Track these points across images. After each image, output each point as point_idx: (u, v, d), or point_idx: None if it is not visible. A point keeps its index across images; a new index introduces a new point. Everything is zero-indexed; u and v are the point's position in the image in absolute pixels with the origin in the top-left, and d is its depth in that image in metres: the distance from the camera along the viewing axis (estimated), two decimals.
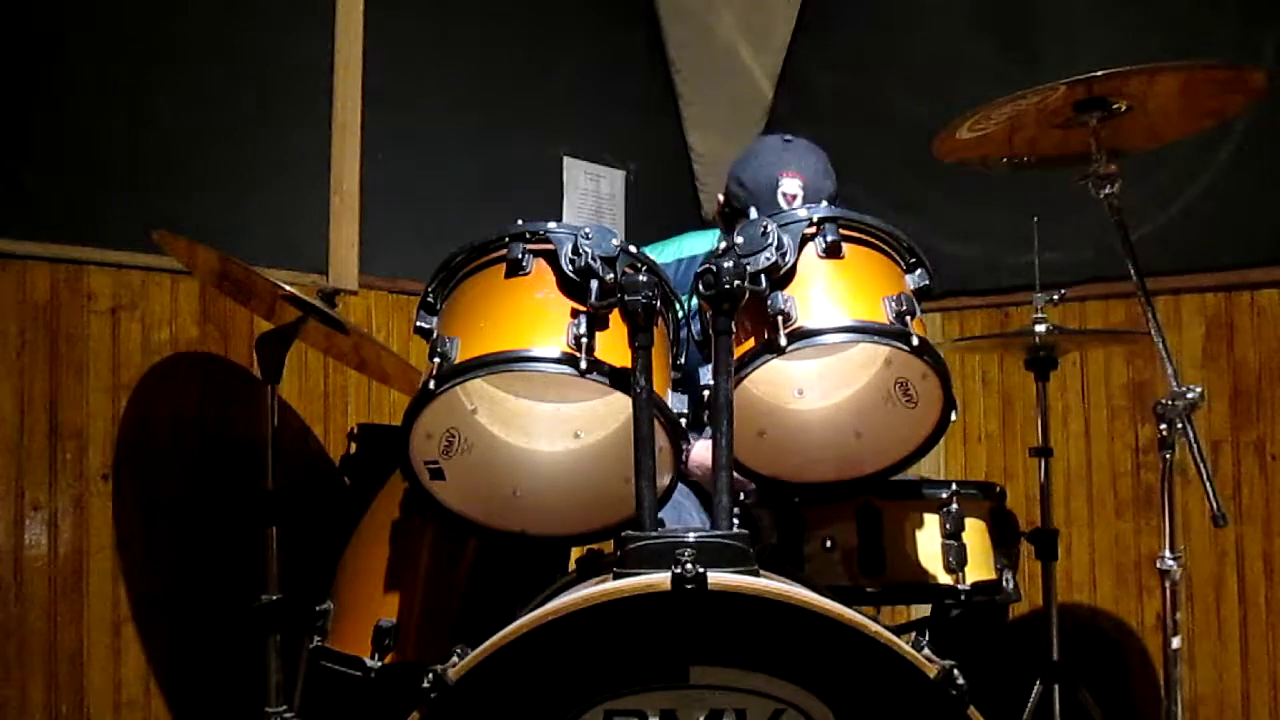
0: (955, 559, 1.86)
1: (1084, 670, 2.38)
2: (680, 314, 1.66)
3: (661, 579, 1.22)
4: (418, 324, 1.60)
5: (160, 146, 2.32)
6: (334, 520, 2.00)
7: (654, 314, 1.40)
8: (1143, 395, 2.77)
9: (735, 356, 1.46)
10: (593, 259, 1.46)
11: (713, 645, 1.23)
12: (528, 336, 1.48)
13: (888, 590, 1.87)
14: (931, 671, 1.20)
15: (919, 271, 1.63)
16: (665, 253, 2.46)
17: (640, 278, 1.41)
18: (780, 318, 1.47)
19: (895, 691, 1.21)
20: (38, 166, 2.15)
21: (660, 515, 1.44)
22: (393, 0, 2.74)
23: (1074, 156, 1.90)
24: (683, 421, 1.52)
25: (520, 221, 1.55)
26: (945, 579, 1.87)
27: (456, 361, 1.47)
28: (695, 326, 1.64)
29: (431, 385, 1.46)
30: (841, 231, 1.58)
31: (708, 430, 1.59)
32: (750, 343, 1.51)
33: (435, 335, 1.55)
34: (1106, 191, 1.82)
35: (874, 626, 1.23)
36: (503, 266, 1.54)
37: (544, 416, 1.68)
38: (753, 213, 1.58)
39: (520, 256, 1.52)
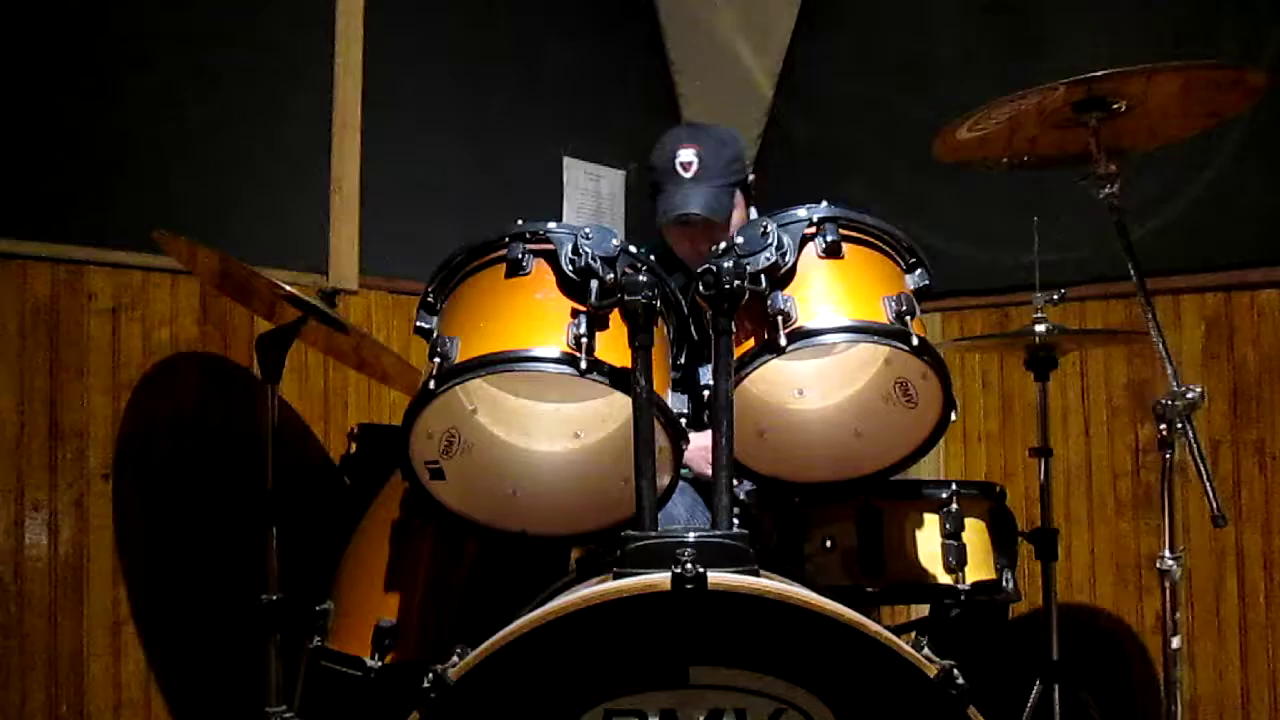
0: (955, 559, 1.87)
1: (1084, 670, 2.38)
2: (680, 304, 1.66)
3: (661, 579, 1.22)
4: (418, 324, 1.60)
5: (160, 146, 2.32)
6: (334, 520, 2.00)
7: (654, 314, 1.40)
8: (1143, 395, 2.77)
9: (735, 356, 1.46)
10: (593, 259, 1.47)
11: (713, 645, 1.23)
12: (528, 336, 1.48)
13: (888, 590, 1.87)
14: (931, 671, 1.20)
15: (919, 271, 1.63)
16: None
17: (640, 278, 1.41)
18: (780, 318, 1.47)
19: (895, 691, 1.21)
20: (38, 166, 2.15)
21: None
22: (393, 0, 2.74)
23: (1074, 156, 1.90)
24: (683, 421, 1.52)
25: (520, 221, 1.55)
26: (945, 579, 1.87)
27: (456, 361, 1.47)
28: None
29: (431, 385, 1.46)
30: (841, 231, 1.58)
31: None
32: (750, 343, 1.51)
33: (435, 335, 1.55)
34: (1106, 191, 1.82)
35: (874, 626, 1.23)
36: (503, 266, 1.54)
37: (544, 416, 1.68)
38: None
39: (520, 256, 1.52)
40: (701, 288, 1.44)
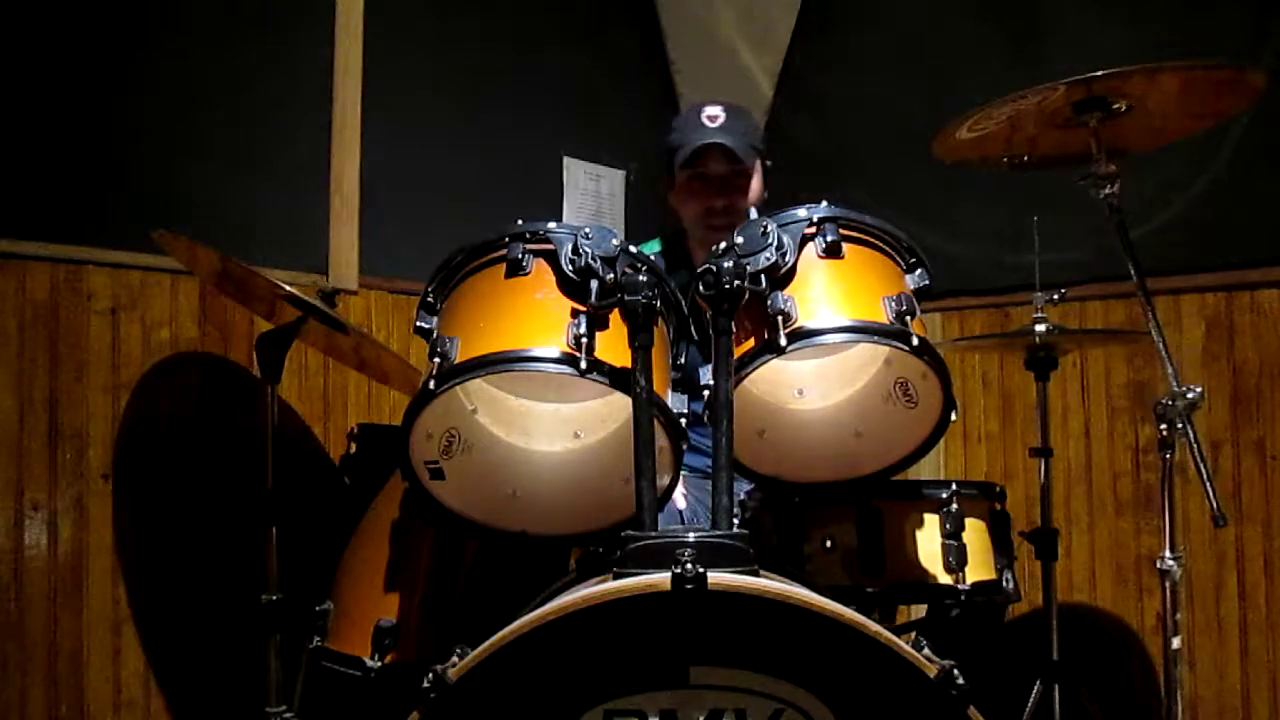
0: (955, 559, 1.86)
1: (1084, 670, 2.37)
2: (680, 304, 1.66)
3: (661, 579, 1.22)
4: (418, 324, 1.60)
5: (160, 146, 2.32)
6: (334, 520, 2.00)
7: (654, 314, 1.40)
8: (1143, 395, 2.77)
9: (735, 356, 1.46)
10: (593, 259, 1.46)
11: (713, 645, 1.23)
12: (528, 336, 1.48)
13: (888, 590, 1.87)
14: (931, 671, 1.20)
15: (919, 271, 1.63)
16: None
17: (640, 278, 1.41)
18: (780, 318, 1.47)
19: (895, 691, 1.21)
20: (38, 166, 2.15)
21: None
22: (392, 0, 2.74)
23: (1074, 156, 1.90)
24: (683, 421, 1.52)
25: (520, 221, 1.55)
26: (945, 579, 1.87)
27: (456, 361, 1.47)
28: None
29: (431, 385, 1.46)
30: (841, 231, 1.58)
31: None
32: (750, 343, 1.51)
33: (435, 335, 1.55)
34: (1106, 191, 1.82)
35: (874, 626, 1.23)
36: (503, 266, 1.54)
37: (544, 416, 1.68)
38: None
39: (520, 256, 1.52)
40: (701, 288, 1.43)
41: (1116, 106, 1.80)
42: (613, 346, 1.46)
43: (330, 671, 1.84)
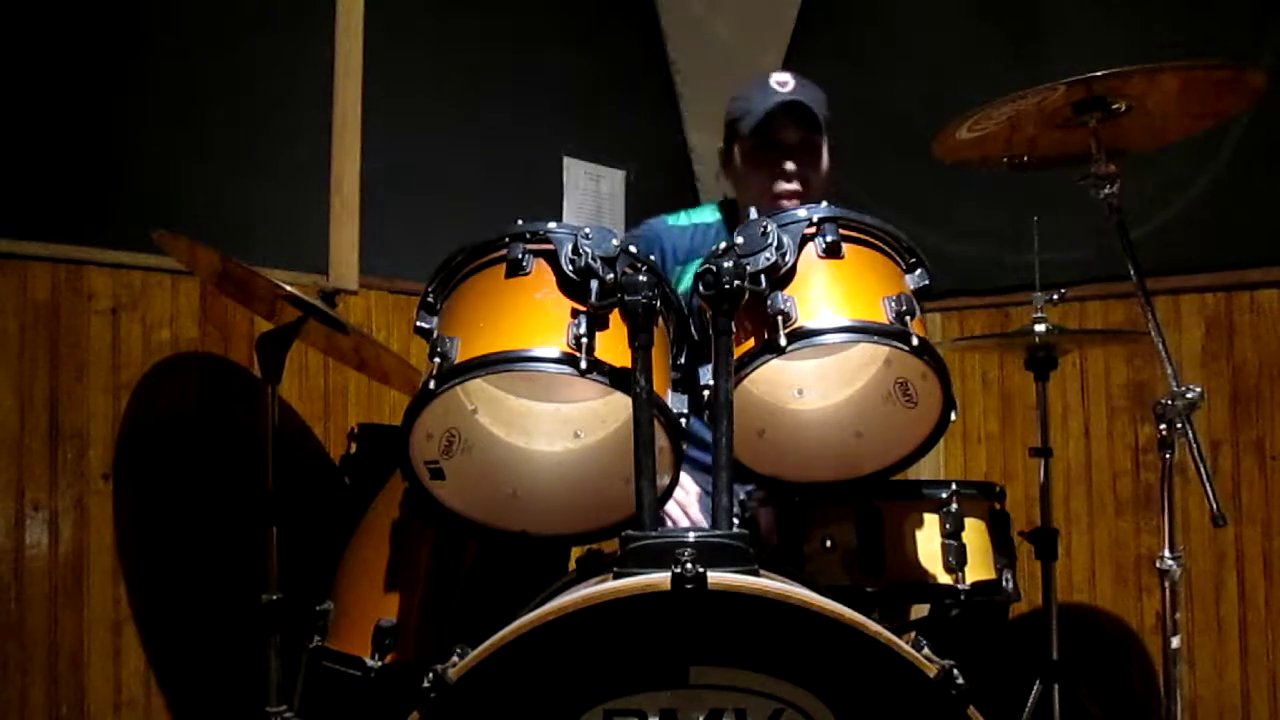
0: (955, 559, 1.86)
1: (1084, 670, 2.37)
2: (680, 304, 1.66)
3: (661, 579, 1.22)
4: (418, 324, 1.60)
5: (160, 146, 2.32)
6: (334, 520, 2.00)
7: (654, 314, 1.40)
8: (1143, 395, 2.77)
9: (735, 356, 1.46)
10: (593, 259, 1.46)
11: (713, 645, 1.23)
12: (528, 336, 1.48)
13: (888, 590, 1.87)
14: (931, 671, 1.20)
15: (919, 271, 1.63)
16: (679, 219, 2.40)
17: (640, 278, 1.41)
18: (780, 318, 1.47)
19: (895, 691, 1.21)
20: (38, 166, 2.15)
21: None
22: (392, 0, 2.74)
23: (1074, 156, 1.90)
24: (683, 421, 1.52)
25: (520, 221, 1.55)
26: (945, 579, 1.87)
27: (456, 361, 1.47)
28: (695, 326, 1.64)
29: (431, 385, 1.46)
30: (841, 231, 1.58)
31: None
32: (750, 343, 1.51)
33: (435, 335, 1.55)
34: (1106, 191, 1.82)
35: (874, 626, 1.23)
36: (503, 266, 1.54)
37: (544, 416, 1.68)
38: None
39: (520, 256, 1.52)
40: (702, 288, 1.44)
41: (1116, 106, 1.80)
42: (613, 346, 1.46)
43: (330, 671, 1.84)
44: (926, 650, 1.24)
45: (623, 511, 1.54)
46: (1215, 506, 1.67)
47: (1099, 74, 1.71)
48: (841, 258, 1.57)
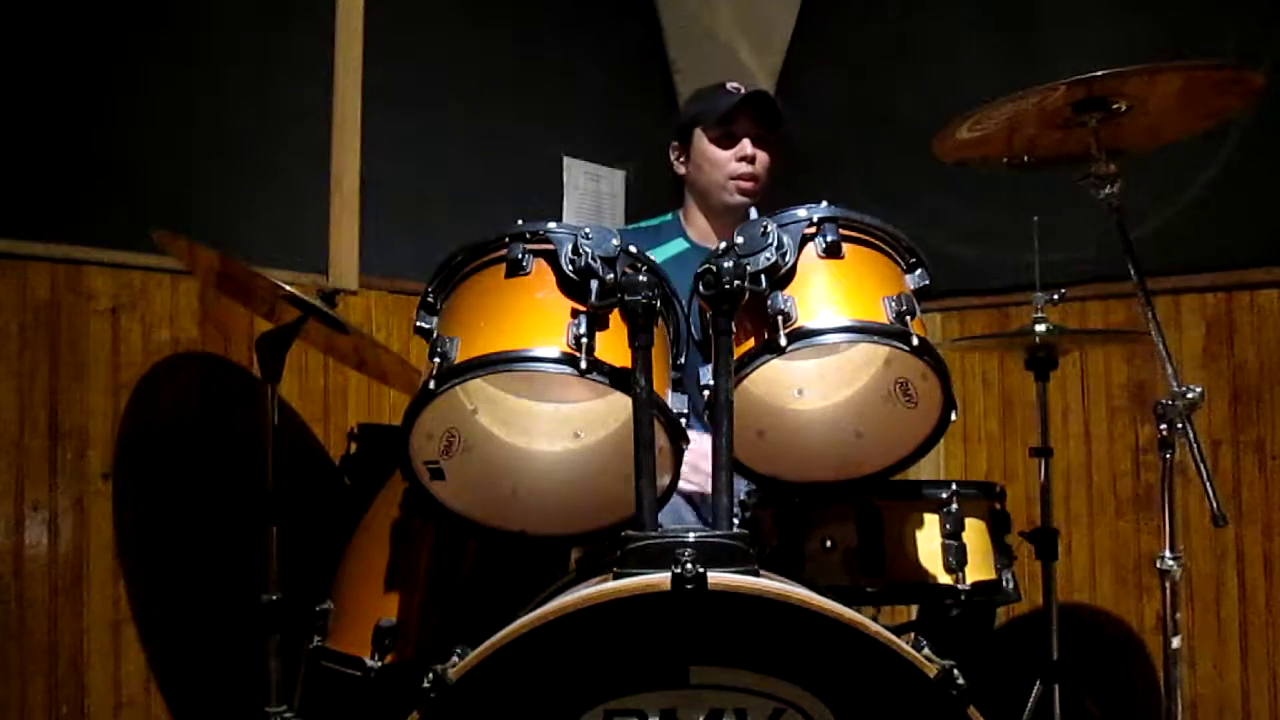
0: (955, 559, 1.86)
1: (1084, 670, 2.37)
2: (681, 306, 1.66)
3: (661, 579, 1.22)
4: (418, 324, 1.60)
5: (160, 146, 2.32)
6: (334, 520, 2.00)
7: (654, 314, 1.40)
8: (1143, 395, 2.77)
9: (735, 356, 1.46)
10: (593, 259, 1.46)
11: (713, 645, 1.23)
12: (528, 336, 1.48)
13: (888, 590, 1.87)
14: (931, 671, 1.20)
15: (919, 271, 1.63)
16: (637, 225, 2.66)
17: (640, 278, 1.41)
18: (780, 318, 1.47)
19: (895, 691, 1.21)
20: (38, 166, 2.15)
21: None
22: (392, 0, 2.74)
23: (1074, 156, 1.90)
24: (683, 421, 1.52)
25: (520, 221, 1.55)
26: (945, 579, 1.87)
27: (456, 361, 1.47)
28: (695, 326, 1.64)
29: (431, 385, 1.46)
30: (841, 231, 1.58)
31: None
32: (750, 343, 1.51)
33: (435, 335, 1.55)
34: (1106, 191, 1.82)
35: (874, 626, 1.23)
36: (503, 266, 1.54)
37: (544, 416, 1.68)
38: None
39: (520, 256, 1.52)
40: (702, 288, 1.43)
41: (1116, 106, 1.80)
42: (613, 346, 1.46)
43: (330, 671, 1.84)
44: (926, 650, 1.24)
45: (623, 511, 1.54)
46: (1215, 506, 1.67)
47: (1099, 74, 1.71)
48: (841, 257, 1.57)
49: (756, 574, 1.32)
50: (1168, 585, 1.73)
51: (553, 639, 1.22)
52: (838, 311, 1.53)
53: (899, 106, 3.14)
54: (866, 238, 1.62)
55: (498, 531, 1.65)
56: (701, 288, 1.43)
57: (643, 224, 2.67)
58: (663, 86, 3.53)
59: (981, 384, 3.05)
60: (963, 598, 1.85)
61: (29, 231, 2.11)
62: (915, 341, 1.51)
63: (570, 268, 1.48)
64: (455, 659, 1.25)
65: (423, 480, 1.58)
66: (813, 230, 1.56)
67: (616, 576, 1.31)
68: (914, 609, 2.44)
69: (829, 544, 1.86)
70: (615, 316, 1.46)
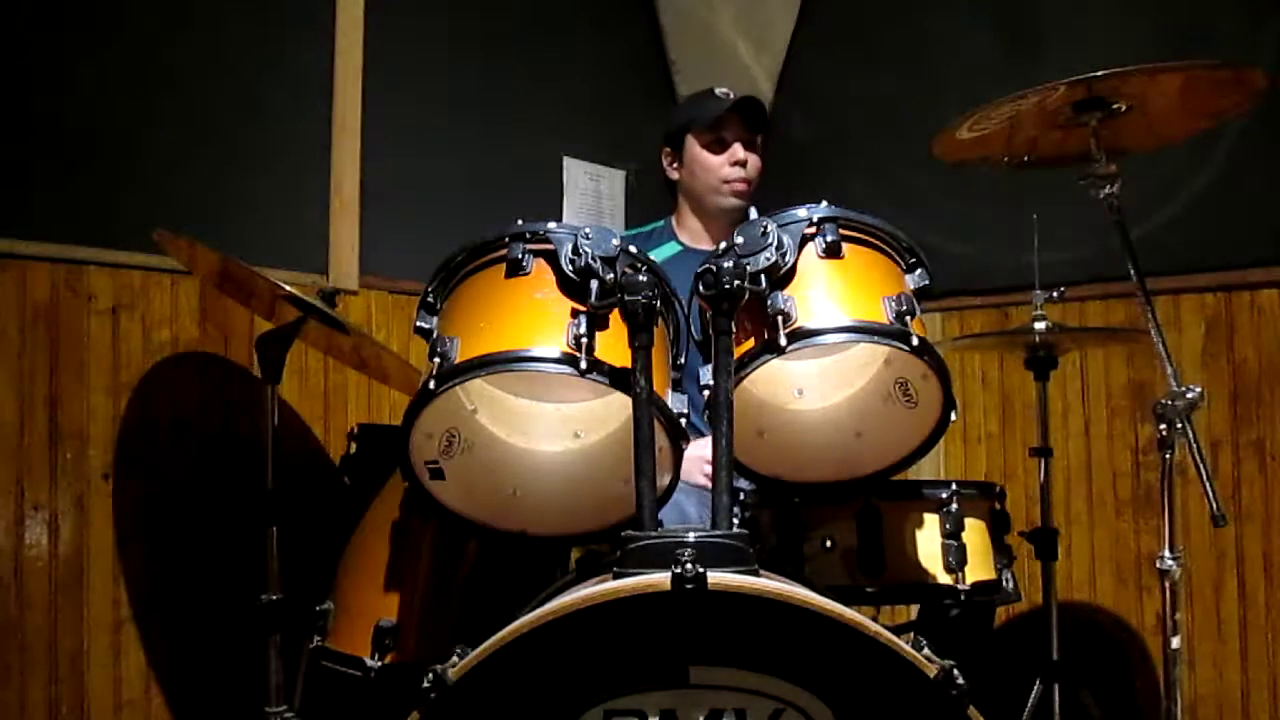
0: (955, 559, 1.86)
1: (1084, 670, 2.37)
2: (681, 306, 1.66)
3: (661, 579, 1.22)
4: (418, 324, 1.60)
5: (160, 146, 2.32)
6: (334, 520, 2.00)
7: (654, 314, 1.40)
8: (1143, 395, 2.76)
9: (735, 356, 1.46)
10: (593, 259, 1.47)
11: (712, 645, 1.23)
12: (528, 336, 1.48)
13: (887, 590, 1.87)
14: (931, 671, 1.20)
15: (919, 271, 1.63)
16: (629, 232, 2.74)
17: (640, 278, 1.41)
18: (780, 318, 1.47)
19: (895, 691, 1.21)
20: (38, 166, 2.15)
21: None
22: (393, 1, 2.74)
23: (1074, 156, 1.90)
24: (683, 421, 1.52)
25: (520, 221, 1.55)
26: (945, 579, 1.87)
27: (456, 361, 1.47)
28: (695, 326, 1.64)
29: (431, 385, 1.46)
30: (841, 231, 1.58)
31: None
32: (750, 343, 1.51)
33: (435, 335, 1.55)
34: (1106, 191, 1.82)
35: (874, 626, 1.23)
36: (503, 266, 1.54)
37: (544, 416, 1.68)
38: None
39: (520, 256, 1.52)
40: (702, 288, 1.43)
41: (1116, 106, 1.80)
42: (613, 346, 1.46)
43: (330, 671, 1.84)
44: (926, 650, 1.24)
45: (623, 511, 1.55)
46: (1215, 506, 1.67)
47: (1099, 74, 1.71)
48: (841, 257, 1.57)
49: (756, 574, 1.32)
50: (1167, 585, 1.73)
51: (552, 639, 1.22)
52: (838, 311, 1.53)
53: (899, 106, 3.14)
54: (866, 238, 1.62)
55: (498, 531, 1.65)
56: (701, 288, 1.43)
57: (633, 231, 2.71)
58: (663, 86, 3.53)
59: (981, 384, 3.05)
60: (962, 598, 1.86)
61: (29, 231, 2.11)
62: (915, 341, 1.51)
63: (570, 268, 1.48)
64: (455, 659, 1.25)
65: (423, 480, 1.58)
66: (813, 230, 1.57)
67: (616, 576, 1.31)
68: (914, 609, 2.44)
69: (829, 544, 1.86)
70: (615, 316, 1.46)
